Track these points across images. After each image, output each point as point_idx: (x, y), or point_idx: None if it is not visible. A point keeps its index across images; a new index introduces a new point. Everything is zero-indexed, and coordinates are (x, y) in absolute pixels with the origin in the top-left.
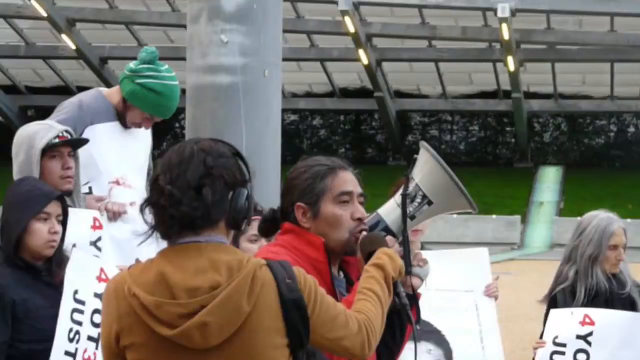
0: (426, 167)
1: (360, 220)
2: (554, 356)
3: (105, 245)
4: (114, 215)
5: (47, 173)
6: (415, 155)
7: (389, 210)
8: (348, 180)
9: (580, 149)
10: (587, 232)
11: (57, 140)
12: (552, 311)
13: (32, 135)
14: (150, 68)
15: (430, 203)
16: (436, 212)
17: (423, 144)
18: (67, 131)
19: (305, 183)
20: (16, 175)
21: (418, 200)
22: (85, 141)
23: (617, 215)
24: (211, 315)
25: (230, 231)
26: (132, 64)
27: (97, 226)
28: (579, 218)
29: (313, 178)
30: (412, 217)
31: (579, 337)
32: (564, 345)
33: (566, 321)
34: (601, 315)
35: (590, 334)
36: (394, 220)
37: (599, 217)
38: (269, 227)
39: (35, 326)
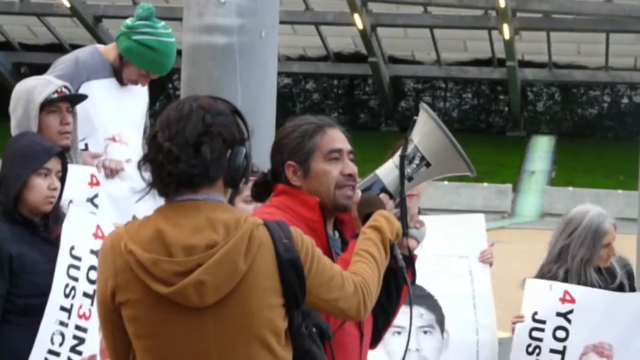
0: (425, 129)
1: (350, 175)
2: (533, 332)
3: (101, 202)
4: (111, 173)
5: (45, 128)
6: (415, 117)
7: (387, 171)
8: (337, 138)
9: (573, 119)
10: (578, 232)
11: (55, 95)
12: (529, 281)
13: (31, 90)
14: (146, 25)
15: (428, 165)
16: (434, 174)
17: (423, 105)
18: (65, 87)
19: (294, 142)
20: (14, 130)
21: (416, 162)
22: (84, 97)
23: (606, 211)
24: (207, 274)
25: (228, 190)
26: (128, 21)
27: (94, 183)
28: (570, 188)
29: (302, 137)
30: (410, 179)
31: (559, 314)
32: (543, 322)
33: (545, 296)
34: (582, 293)
35: (571, 311)
36: (391, 181)
37: (590, 214)
38: (261, 191)
39: (31, 281)
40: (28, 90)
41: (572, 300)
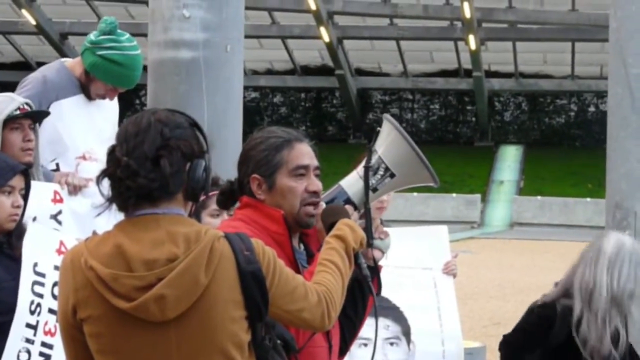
0: (389, 139)
1: (315, 192)
2: None
3: (65, 219)
4: (75, 189)
5: (7, 145)
6: (378, 128)
7: (351, 183)
8: (305, 153)
9: (541, 128)
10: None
11: (17, 112)
12: None
13: None
14: (110, 39)
15: (392, 176)
16: (399, 185)
17: (386, 116)
18: (27, 104)
19: (261, 155)
20: None
21: (381, 172)
22: (46, 114)
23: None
24: (168, 288)
25: (188, 203)
26: (92, 35)
27: (57, 199)
28: (538, 197)
29: (269, 150)
30: (375, 190)
31: None
32: None
33: None
34: None
35: None
36: (355, 192)
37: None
38: (227, 199)
39: None
40: None
41: None
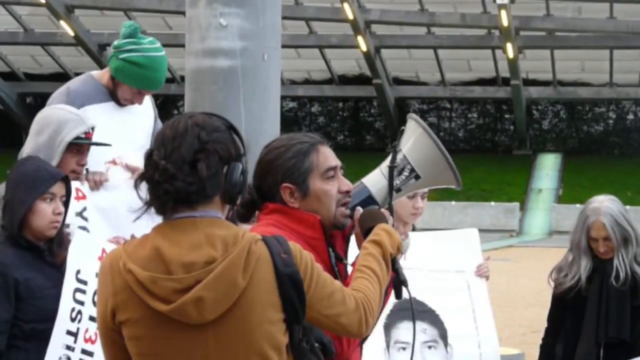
0: (413, 138)
1: (347, 192)
2: None
3: (91, 215)
4: (95, 184)
5: (62, 165)
6: (403, 127)
7: (375, 181)
8: (330, 155)
9: (579, 136)
10: (578, 218)
11: (83, 136)
12: None
13: (63, 124)
14: (131, 42)
15: (417, 177)
16: (422, 186)
17: (411, 115)
18: (93, 128)
19: (289, 163)
20: (29, 151)
21: (405, 173)
22: (107, 145)
23: (617, 203)
24: (207, 290)
25: (226, 206)
26: (115, 41)
27: (80, 197)
28: (577, 205)
29: (297, 156)
30: (398, 190)
31: None
32: None
33: None
34: None
35: None
36: (379, 190)
37: (588, 207)
38: (248, 212)
39: (38, 306)
40: (60, 122)
41: None
